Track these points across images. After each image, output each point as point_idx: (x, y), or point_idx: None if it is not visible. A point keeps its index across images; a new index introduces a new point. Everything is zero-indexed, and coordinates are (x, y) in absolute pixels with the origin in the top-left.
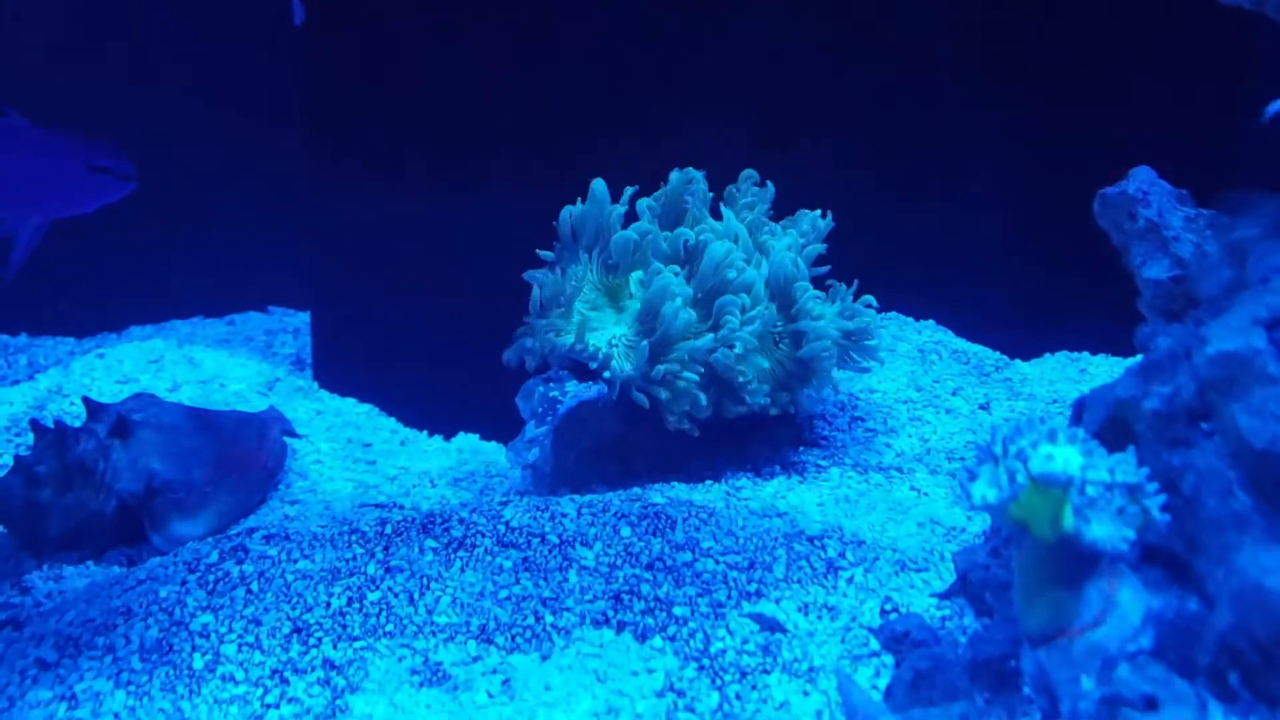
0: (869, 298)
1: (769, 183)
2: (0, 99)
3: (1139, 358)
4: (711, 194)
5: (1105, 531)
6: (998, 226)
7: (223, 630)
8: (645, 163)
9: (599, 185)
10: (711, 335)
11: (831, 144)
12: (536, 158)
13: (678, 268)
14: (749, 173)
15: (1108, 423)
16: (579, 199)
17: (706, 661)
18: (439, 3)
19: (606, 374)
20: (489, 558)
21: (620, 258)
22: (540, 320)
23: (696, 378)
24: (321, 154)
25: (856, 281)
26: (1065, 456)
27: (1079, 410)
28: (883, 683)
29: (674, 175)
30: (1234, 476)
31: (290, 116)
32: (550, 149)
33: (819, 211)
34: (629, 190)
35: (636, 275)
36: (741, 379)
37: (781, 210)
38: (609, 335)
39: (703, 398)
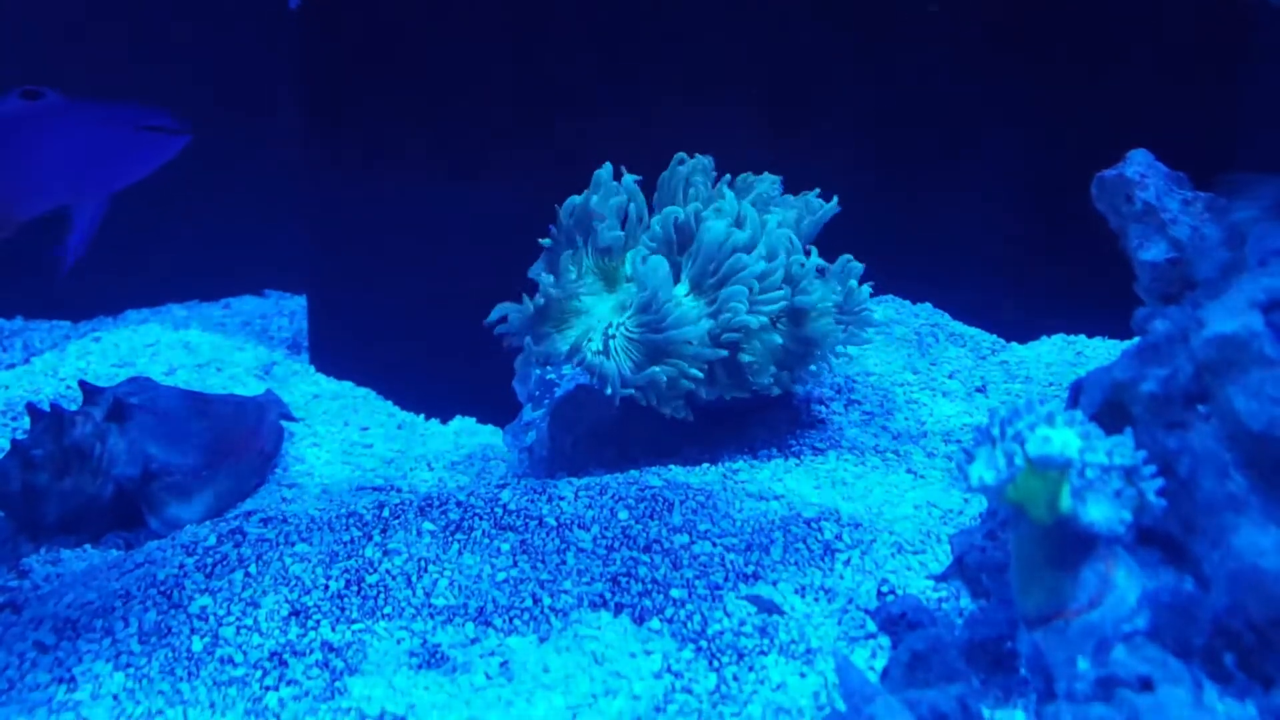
0: (853, 261)
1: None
2: (31, 80)
3: (1136, 340)
4: (722, 175)
5: (1102, 513)
6: (995, 209)
7: (221, 613)
8: (647, 147)
9: (604, 172)
10: (710, 325)
11: (832, 128)
12: (534, 141)
13: (663, 258)
14: (768, 176)
15: (1105, 405)
16: (579, 182)
17: (704, 643)
18: None
19: (608, 390)
20: (487, 540)
21: (610, 243)
22: (538, 331)
23: (701, 375)
24: (318, 138)
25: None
26: (1063, 439)
27: (1076, 393)
28: (879, 664)
29: (692, 160)
30: (1230, 459)
31: (287, 100)
32: (549, 133)
33: (815, 191)
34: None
35: (631, 254)
36: (748, 358)
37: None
38: (605, 323)
39: (704, 392)
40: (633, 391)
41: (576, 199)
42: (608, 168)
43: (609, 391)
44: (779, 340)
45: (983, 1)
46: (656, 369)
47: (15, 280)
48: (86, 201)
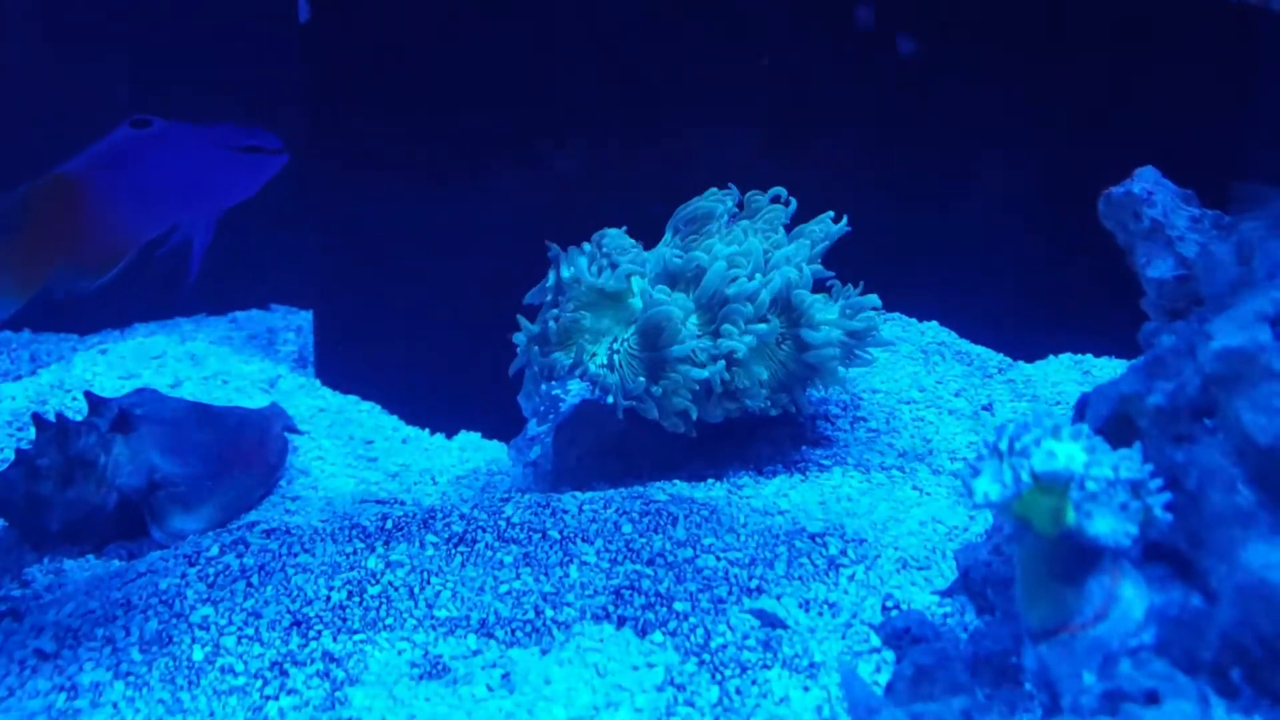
0: (873, 297)
1: (791, 199)
2: (140, 110)
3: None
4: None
5: (1108, 526)
6: (1002, 227)
7: (222, 623)
8: (650, 161)
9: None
10: (709, 344)
11: (836, 144)
12: (540, 157)
13: (668, 288)
14: (776, 191)
15: (1111, 419)
16: (586, 198)
17: (707, 656)
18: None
19: (609, 399)
20: (490, 553)
21: (617, 290)
22: (544, 344)
23: (690, 395)
24: (325, 152)
25: (862, 283)
26: (1068, 453)
27: (1082, 407)
28: (884, 679)
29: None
30: (1238, 473)
31: (293, 114)
32: (555, 148)
33: (830, 215)
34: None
35: (637, 283)
36: (741, 384)
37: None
38: (609, 340)
39: (693, 410)
40: (634, 403)
41: (581, 263)
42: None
43: (610, 400)
44: (764, 374)
45: (991, 16)
46: (655, 387)
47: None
48: (198, 220)
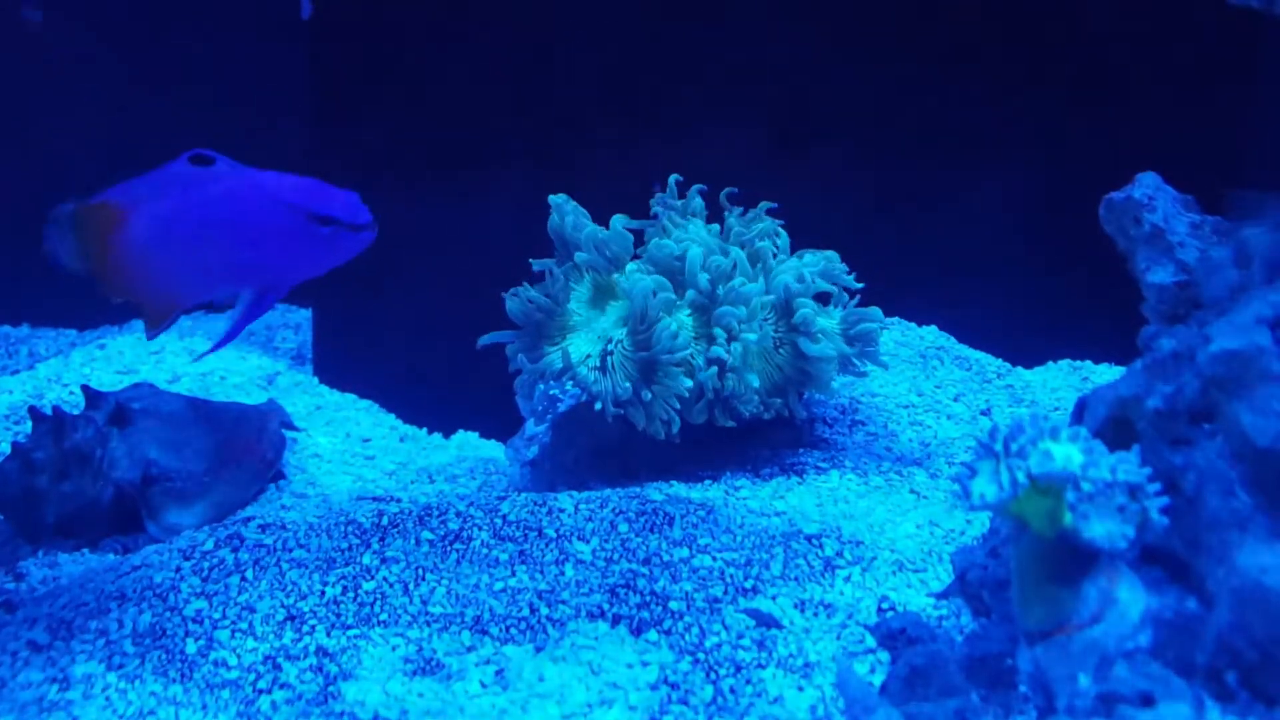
0: (875, 310)
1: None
2: (198, 145)
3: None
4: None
5: (1104, 529)
6: (1001, 233)
7: (216, 616)
8: (648, 167)
9: (557, 199)
10: (703, 348)
11: (835, 149)
12: (539, 157)
13: (663, 279)
14: (765, 205)
15: (1109, 421)
16: (583, 200)
17: (701, 655)
18: (444, 1)
19: (598, 405)
20: (485, 550)
21: (586, 264)
22: (534, 349)
23: (678, 403)
24: (324, 151)
25: (859, 297)
26: (1065, 454)
27: (1080, 409)
28: (878, 679)
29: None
30: (1236, 476)
31: (294, 114)
32: (553, 149)
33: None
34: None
35: (631, 267)
36: (730, 389)
37: (785, 217)
38: (606, 339)
39: (676, 422)
40: (622, 410)
41: (556, 219)
42: (560, 197)
43: (598, 407)
44: (755, 383)
45: (988, 22)
46: (645, 391)
47: (22, 288)
48: (259, 292)
